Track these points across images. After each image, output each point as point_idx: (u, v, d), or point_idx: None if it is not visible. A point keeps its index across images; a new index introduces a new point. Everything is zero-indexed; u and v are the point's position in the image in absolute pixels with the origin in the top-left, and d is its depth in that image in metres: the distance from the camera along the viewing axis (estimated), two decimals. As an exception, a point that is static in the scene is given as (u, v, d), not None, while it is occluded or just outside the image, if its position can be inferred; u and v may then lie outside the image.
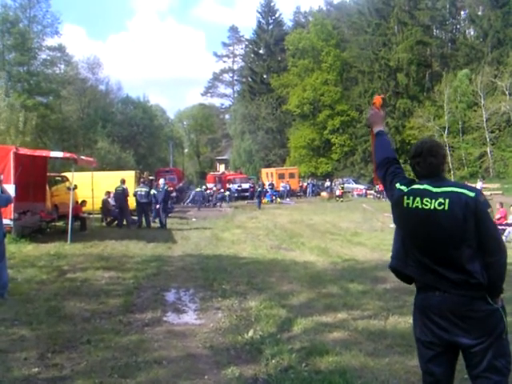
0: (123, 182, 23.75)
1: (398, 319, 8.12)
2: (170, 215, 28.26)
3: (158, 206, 24.45)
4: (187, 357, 6.32)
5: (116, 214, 24.06)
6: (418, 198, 3.50)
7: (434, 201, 3.43)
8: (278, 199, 47.78)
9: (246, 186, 51.95)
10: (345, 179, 55.62)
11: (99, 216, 24.62)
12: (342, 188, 49.98)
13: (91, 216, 23.45)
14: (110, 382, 5.42)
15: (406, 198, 3.56)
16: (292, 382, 5.44)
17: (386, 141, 4.13)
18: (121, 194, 23.41)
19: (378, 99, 4.33)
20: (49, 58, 51.66)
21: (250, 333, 7.16)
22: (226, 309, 8.74)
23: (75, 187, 19.46)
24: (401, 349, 6.58)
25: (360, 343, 6.85)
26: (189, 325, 7.88)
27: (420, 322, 3.61)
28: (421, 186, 3.54)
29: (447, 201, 3.39)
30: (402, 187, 3.63)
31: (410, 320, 7.72)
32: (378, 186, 51.32)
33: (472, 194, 3.38)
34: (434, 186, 3.49)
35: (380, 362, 6.09)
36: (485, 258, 3.38)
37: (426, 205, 3.45)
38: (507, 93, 52.75)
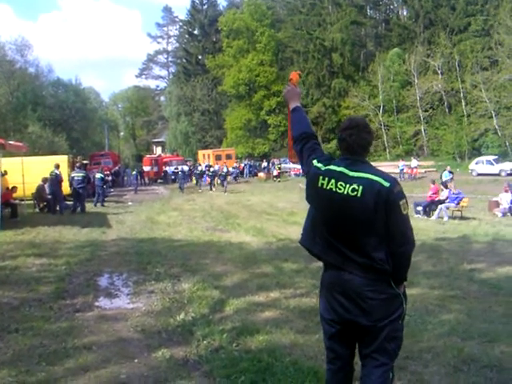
0: (57, 166, 23.30)
1: (329, 296, 8.22)
2: (105, 199, 28.19)
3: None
4: (118, 341, 6.30)
5: (49, 199, 23.59)
6: (333, 180, 3.47)
7: (348, 186, 3.41)
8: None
9: (184, 167, 51.61)
10: (282, 159, 55.86)
11: (31, 202, 24.04)
12: (279, 168, 50.22)
13: (23, 202, 22.88)
14: (37, 369, 5.35)
15: (321, 177, 3.53)
16: (222, 361, 5.49)
17: (302, 116, 4.11)
18: (54, 180, 22.94)
19: (294, 75, 4.32)
20: (-29, 38, 49.86)
21: (182, 315, 7.18)
22: (160, 292, 8.73)
23: (5, 173, 18.92)
24: (330, 325, 6.69)
25: (291, 321, 6.97)
26: (121, 309, 7.83)
27: (324, 299, 3.64)
28: (337, 168, 3.51)
29: (360, 188, 3.36)
30: (319, 165, 3.60)
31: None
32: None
33: (386, 184, 3.36)
34: (351, 170, 3.46)
35: (310, 339, 6.20)
36: (391, 247, 3.40)
37: (340, 189, 3.43)
38: (439, 72, 54.13)
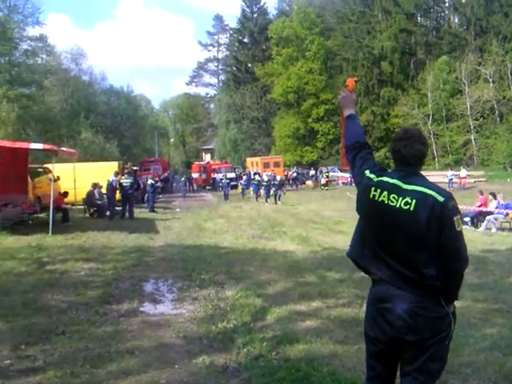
0: (116, 174, 24.45)
1: (372, 307, 8.19)
2: (154, 205, 28.75)
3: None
4: (160, 346, 6.41)
5: (99, 205, 24.13)
6: (385, 193, 3.40)
7: (400, 199, 3.33)
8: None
9: (231, 175, 51.93)
10: (330, 168, 55.60)
11: (82, 207, 24.57)
12: (327, 176, 50.04)
13: (74, 207, 23.40)
14: (81, 372, 5.50)
15: (373, 189, 3.46)
16: (261, 369, 5.54)
17: (356, 124, 4.04)
18: (109, 186, 23.73)
19: (351, 81, 4.26)
20: (30, 48, 51.14)
21: (224, 322, 7.26)
22: (203, 299, 8.82)
23: (57, 178, 19.40)
24: (371, 336, 6.67)
25: (331, 331, 6.96)
26: (164, 315, 7.96)
27: (369, 315, 3.55)
28: (390, 180, 3.43)
29: (414, 201, 3.28)
30: (372, 176, 3.52)
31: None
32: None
33: (441, 199, 3.25)
34: (405, 182, 3.37)
35: (349, 350, 6.19)
36: (443, 264, 3.29)
37: (393, 201, 3.35)
38: (491, 80, 53.01)
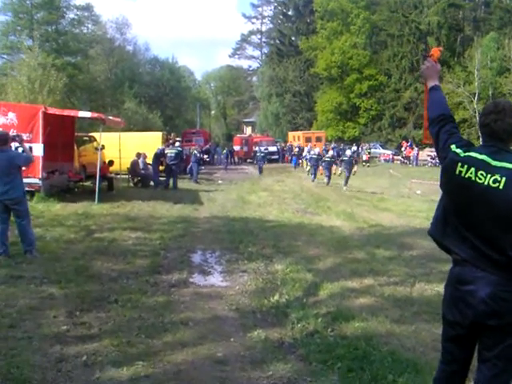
0: (168, 144, 25.59)
1: (425, 286, 8.10)
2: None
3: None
4: (213, 319, 6.38)
5: (143, 174, 24.28)
6: (472, 169, 3.18)
7: (489, 176, 3.11)
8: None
9: (272, 148, 51.82)
10: (372, 144, 55.06)
11: (126, 176, 24.75)
12: (369, 153, 49.60)
13: (118, 176, 23.58)
14: (136, 341, 5.48)
15: (460, 165, 3.23)
16: (318, 346, 5.46)
17: (441, 96, 3.78)
18: (156, 155, 24.02)
19: (435, 51, 4.05)
20: (76, 17, 51.54)
21: (276, 296, 7.19)
22: (252, 272, 8.78)
23: (103, 147, 19.50)
24: (427, 316, 6.56)
25: (386, 309, 6.84)
26: (215, 287, 7.94)
27: (449, 297, 3.38)
28: (479, 156, 3.20)
29: (503, 179, 3.06)
30: (458, 150, 3.29)
31: (436, 288, 7.76)
32: (404, 152, 50.96)
33: None
34: (494, 159, 3.15)
35: (407, 329, 6.08)
36: None
37: (480, 179, 3.14)
38: (541, 58, 51.51)
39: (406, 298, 7.37)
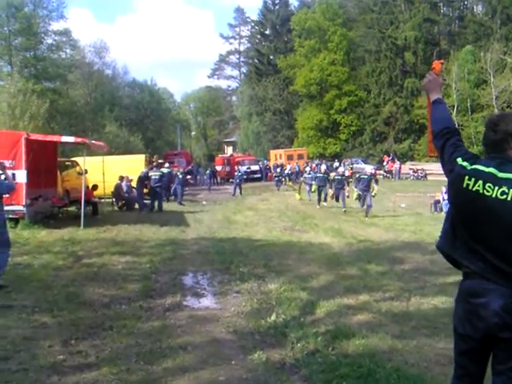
0: (150, 167, 25.38)
1: (420, 300, 8.07)
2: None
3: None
4: (212, 342, 6.28)
5: (128, 198, 24.16)
6: (480, 182, 3.16)
7: (496, 188, 3.09)
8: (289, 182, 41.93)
9: (255, 167, 51.85)
10: (353, 159, 55.24)
11: (110, 200, 24.58)
12: (351, 168, 49.70)
13: (103, 200, 23.41)
14: (136, 368, 5.37)
15: (467, 178, 3.21)
16: (320, 366, 5.38)
17: (444, 109, 3.77)
18: (143, 178, 23.98)
19: (437, 64, 3.99)
20: (54, 42, 51.32)
21: (273, 316, 7.11)
22: (246, 292, 8.70)
23: (86, 172, 19.37)
24: (427, 330, 6.53)
25: (385, 325, 6.80)
26: (210, 309, 7.84)
27: (460, 310, 3.33)
28: (486, 169, 3.18)
29: (511, 191, 3.05)
30: (464, 163, 3.27)
31: (432, 301, 7.75)
32: (386, 166, 51.22)
33: None
34: (501, 170, 3.12)
35: (408, 345, 6.03)
36: None
37: (488, 191, 3.12)
38: (517, 70, 52.19)
39: (403, 313, 7.34)
